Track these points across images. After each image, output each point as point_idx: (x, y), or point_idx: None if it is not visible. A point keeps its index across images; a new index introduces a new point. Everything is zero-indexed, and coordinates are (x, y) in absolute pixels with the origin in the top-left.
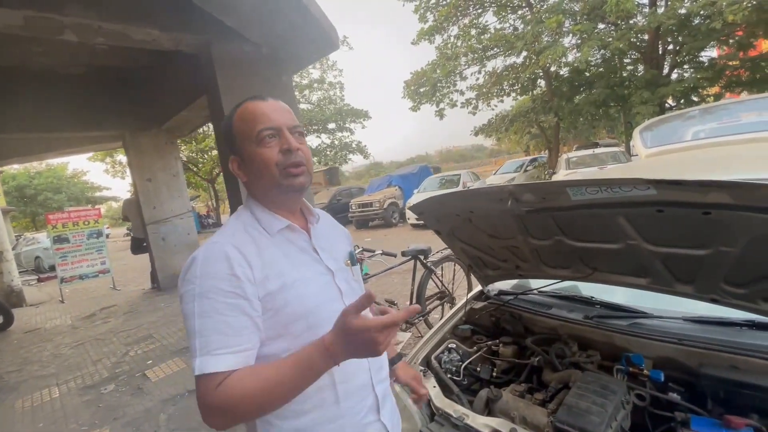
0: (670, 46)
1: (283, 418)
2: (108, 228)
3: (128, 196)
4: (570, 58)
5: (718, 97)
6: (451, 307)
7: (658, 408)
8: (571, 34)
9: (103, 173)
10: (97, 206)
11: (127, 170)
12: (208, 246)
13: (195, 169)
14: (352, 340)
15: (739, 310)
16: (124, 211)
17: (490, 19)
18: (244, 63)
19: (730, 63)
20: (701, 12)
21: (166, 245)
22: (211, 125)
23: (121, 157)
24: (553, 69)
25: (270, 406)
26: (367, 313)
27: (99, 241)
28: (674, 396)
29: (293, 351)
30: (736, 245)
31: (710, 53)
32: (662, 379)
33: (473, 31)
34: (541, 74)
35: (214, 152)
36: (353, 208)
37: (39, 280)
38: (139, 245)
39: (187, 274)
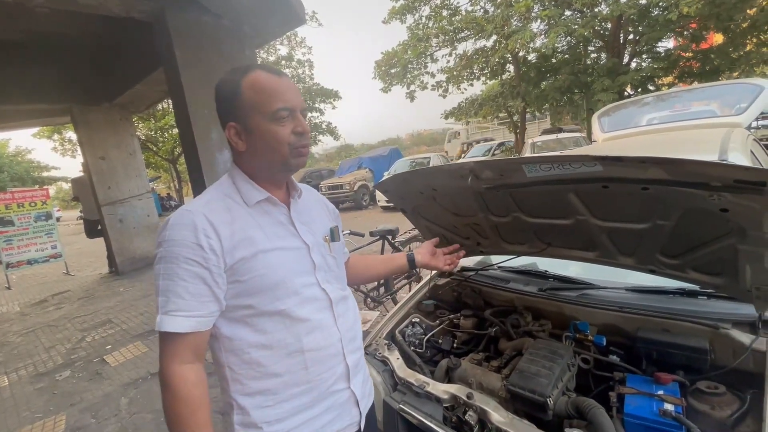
0: (631, 36)
1: (253, 378)
2: (59, 210)
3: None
4: (538, 43)
5: (672, 86)
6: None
7: (599, 369)
8: (539, 20)
9: (50, 151)
10: (45, 187)
11: (79, 148)
12: (179, 212)
13: (155, 148)
14: None
15: (673, 279)
16: (74, 191)
17: (461, 0)
18: (204, 34)
19: (684, 54)
20: (660, 3)
21: (124, 227)
22: (170, 101)
23: (71, 134)
24: (521, 54)
25: (168, 421)
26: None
27: (48, 224)
28: (614, 358)
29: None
30: (671, 218)
31: (667, 44)
32: (604, 343)
33: (445, 12)
34: (510, 59)
35: (176, 131)
36: (323, 190)
37: None
38: (93, 228)
39: (159, 236)
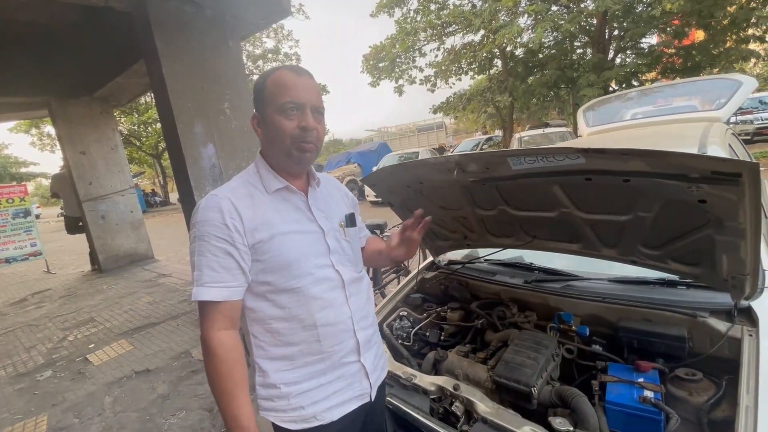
0: (616, 32)
1: (273, 345)
2: (38, 207)
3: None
4: (525, 38)
5: (655, 82)
6: None
7: (583, 359)
8: (526, 15)
9: (29, 146)
10: (23, 183)
11: (58, 143)
12: (208, 197)
13: (138, 143)
14: None
15: (654, 270)
16: (53, 187)
17: None
18: (185, 24)
19: (667, 50)
20: None
21: (107, 224)
22: (152, 94)
23: (50, 128)
24: (508, 49)
25: (210, 380)
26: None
27: (27, 221)
28: (597, 348)
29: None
30: (651, 210)
31: (651, 40)
32: (587, 333)
33: (433, 6)
34: (498, 54)
35: (159, 125)
36: None
37: None
38: (74, 224)
39: (192, 219)
